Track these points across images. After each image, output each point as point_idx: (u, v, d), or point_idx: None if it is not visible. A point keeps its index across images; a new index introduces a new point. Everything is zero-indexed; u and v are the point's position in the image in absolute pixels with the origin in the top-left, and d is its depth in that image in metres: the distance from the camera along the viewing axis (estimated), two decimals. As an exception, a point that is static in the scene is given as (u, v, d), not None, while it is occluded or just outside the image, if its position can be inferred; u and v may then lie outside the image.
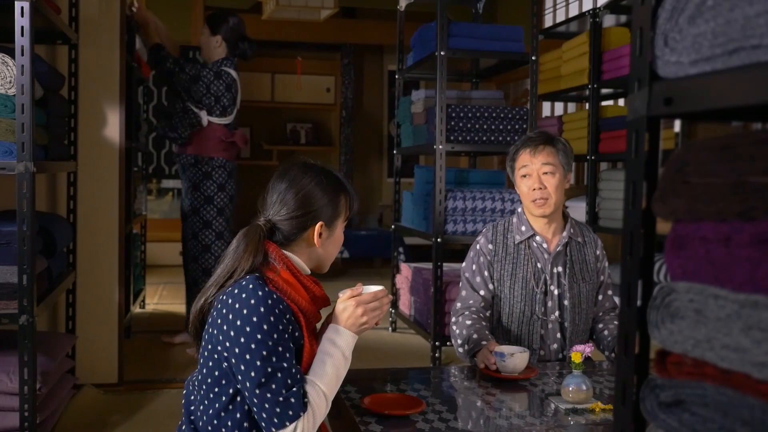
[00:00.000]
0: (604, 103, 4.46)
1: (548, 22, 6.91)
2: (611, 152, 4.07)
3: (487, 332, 2.28)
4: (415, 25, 4.50)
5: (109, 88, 3.40)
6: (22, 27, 2.28)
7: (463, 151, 4.36)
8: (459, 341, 2.30)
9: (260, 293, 1.52)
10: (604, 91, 4.32)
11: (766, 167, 0.73)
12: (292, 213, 1.65)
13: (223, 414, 1.54)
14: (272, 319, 1.51)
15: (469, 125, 3.91)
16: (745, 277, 0.74)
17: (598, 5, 5.30)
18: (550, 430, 1.75)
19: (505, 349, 2.13)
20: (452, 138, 3.87)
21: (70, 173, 3.23)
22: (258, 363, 1.49)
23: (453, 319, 2.39)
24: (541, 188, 2.32)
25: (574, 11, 6.45)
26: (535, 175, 2.34)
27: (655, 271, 1.52)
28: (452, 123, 3.88)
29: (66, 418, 2.94)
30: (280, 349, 1.51)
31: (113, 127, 3.41)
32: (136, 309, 4.98)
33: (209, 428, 1.55)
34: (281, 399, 1.49)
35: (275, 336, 1.51)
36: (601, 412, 1.86)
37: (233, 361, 1.52)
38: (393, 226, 4.76)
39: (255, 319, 1.50)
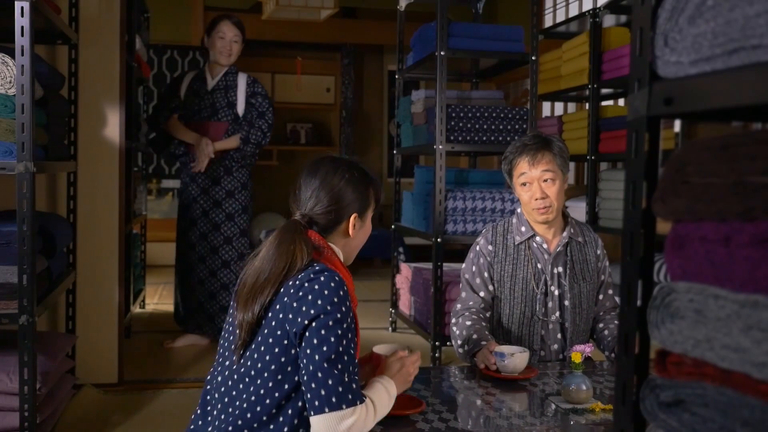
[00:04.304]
0: (604, 103, 4.45)
1: (548, 22, 6.91)
2: (611, 152, 4.07)
3: (486, 332, 2.28)
4: (415, 25, 4.50)
5: (109, 88, 3.40)
6: (22, 27, 2.28)
7: (463, 151, 4.36)
8: (459, 342, 2.30)
9: (337, 278, 1.58)
10: (604, 91, 4.32)
11: (766, 167, 0.73)
12: (328, 207, 1.70)
13: (284, 402, 1.54)
14: (348, 303, 1.58)
15: (469, 125, 3.91)
16: (745, 277, 0.74)
17: (598, 5, 5.30)
18: (550, 430, 1.75)
19: (505, 349, 2.13)
20: (452, 138, 3.87)
21: (70, 173, 3.23)
22: (332, 339, 1.52)
23: (453, 320, 2.39)
24: (543, 197, 2.31)
25: (574, 11, 6.45)
26: (536, 184, 2.32)
27: (655, 271, 1.52)
28: (452, 123, 3.87)
29: (66, 418, 2.94)
30: (350, 335, 1.56)
31: (113, 127, 3.41)
32: (136, 309, 4.98)
33: (264, 418, 1.54)
34: (346, 379, 1.51)
35: (349, 320, 1.57)
36: (601, 412, 1.86)
37: (307, 335, 1.53)
38: (393, 226, 4.76)
39: (336, 299, 1.55)
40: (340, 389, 1.50)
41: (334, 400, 1.49)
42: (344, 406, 1.49)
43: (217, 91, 4.18)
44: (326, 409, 1.49)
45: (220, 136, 4.14)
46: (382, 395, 1.64)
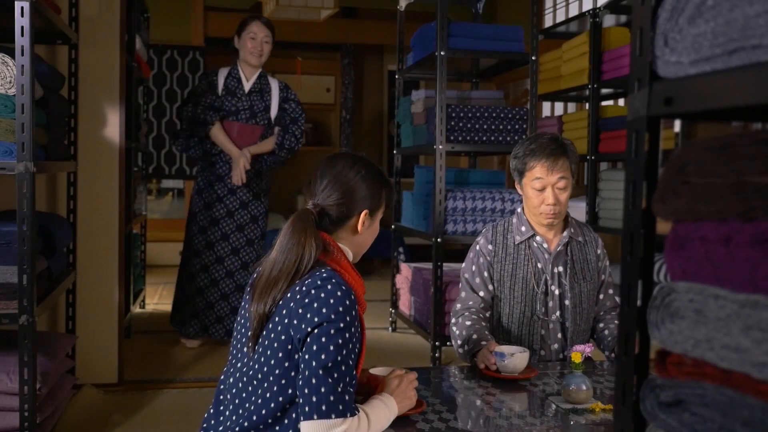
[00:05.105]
0: (604, 103, 4.45)
1: (548, 22, 6.91)
2: (611, 152, 4.07)
3: (486, 332, 2.28)
4: (415, 25, 4.50)
5: (109, 88, 3.40)
6: (22, 27, 2.28)
7: (463, 151, 4.36)
8: (459, 342, 2.30)
9: (344, 287, 1.59)
10: (604, 91, 4.32)
11: (766, 167, 0.73)
12: (341, 200, 1.71)
13: (288, 406, 1.56)
14: (354, 313, 1.58)
15: (469, 125, 3.91)
16: (745, 277, 0.74)
17: (598, 5, 5.30)
18: (550, 430, 1.75)
19: (505, 349, 2.13)
20: (452, 138, 3.87)
21: (70, 173, 3.23)
22: (331, 348, 1.52)
23: (453, 320, 2.39)
24: (555, 204, 2.30)
25: (574, 11, 6.45)
26: (550, 190, 2.30)
27: (655, 271, 1.52)
28: (452, 123, 3.87)
29: (66, 418, 2.94)
30: (351, 346, 1.56)
31: (113, 127, 3.41)
32: (136, 309, 4.98)
33: (269, 420, 1.56)
34: (339, 389, 1.51)
35: (353, 330, 1.57)
36: (601, 412, 1.86)
37: (308, 341, 1.53)
38: (393, 226, 4.76)
39: (341, 309, 1.55)
40: (332, 398, 1.50)
41: (324, 408, 1.49)
42: (333, 416, 1.49)
43: (254, 93, 4.19)
44: (315, 416, 1.49)
45: (255, 139, 4.17)
46: (380, 410, 1.65)
